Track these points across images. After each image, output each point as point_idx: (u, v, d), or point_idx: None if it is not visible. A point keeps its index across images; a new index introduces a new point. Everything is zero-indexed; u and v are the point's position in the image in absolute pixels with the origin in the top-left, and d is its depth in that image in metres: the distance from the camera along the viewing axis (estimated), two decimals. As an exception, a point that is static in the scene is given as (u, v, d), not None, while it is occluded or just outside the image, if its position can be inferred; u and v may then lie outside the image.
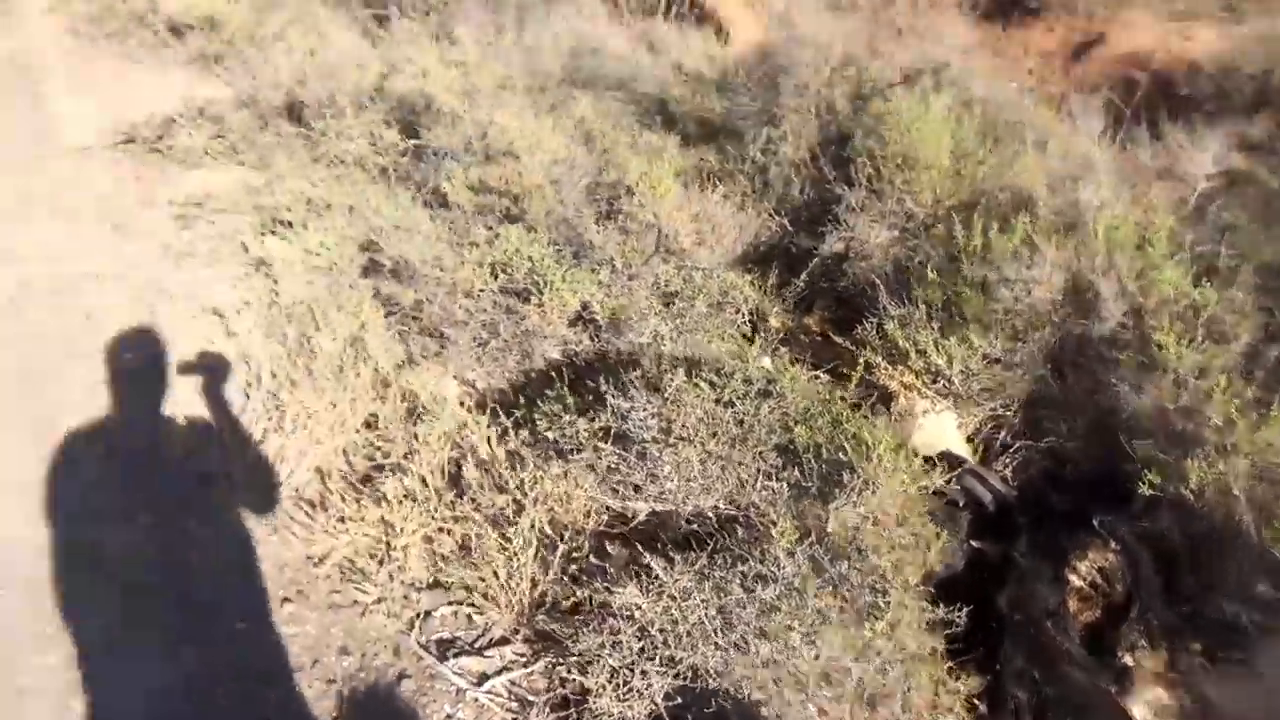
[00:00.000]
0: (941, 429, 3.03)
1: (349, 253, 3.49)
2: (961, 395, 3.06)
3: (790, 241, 3.98)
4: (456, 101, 4.41)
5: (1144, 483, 2.40)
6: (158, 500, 2.75)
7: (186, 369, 3.25)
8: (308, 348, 3.00)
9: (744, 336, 3.45)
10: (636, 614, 2.06)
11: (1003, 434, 3.08)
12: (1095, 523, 2.50)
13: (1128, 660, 2.30)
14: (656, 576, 2.08)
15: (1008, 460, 3.00)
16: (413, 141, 4.29)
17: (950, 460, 2.83)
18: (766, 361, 3.08)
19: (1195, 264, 3.09)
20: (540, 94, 5.03)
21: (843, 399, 2.69)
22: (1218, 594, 2.27)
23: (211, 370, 3.22)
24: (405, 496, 2.51)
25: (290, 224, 3.69)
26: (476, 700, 2.20)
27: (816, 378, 3.03)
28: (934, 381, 3.08)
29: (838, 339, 3.47)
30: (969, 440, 3.10)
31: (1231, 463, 2.33)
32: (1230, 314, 2.81)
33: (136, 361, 3.35)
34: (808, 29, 5.43)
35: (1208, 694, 2.21)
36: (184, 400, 3.13)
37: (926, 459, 2.73)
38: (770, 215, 4.13)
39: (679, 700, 1.99)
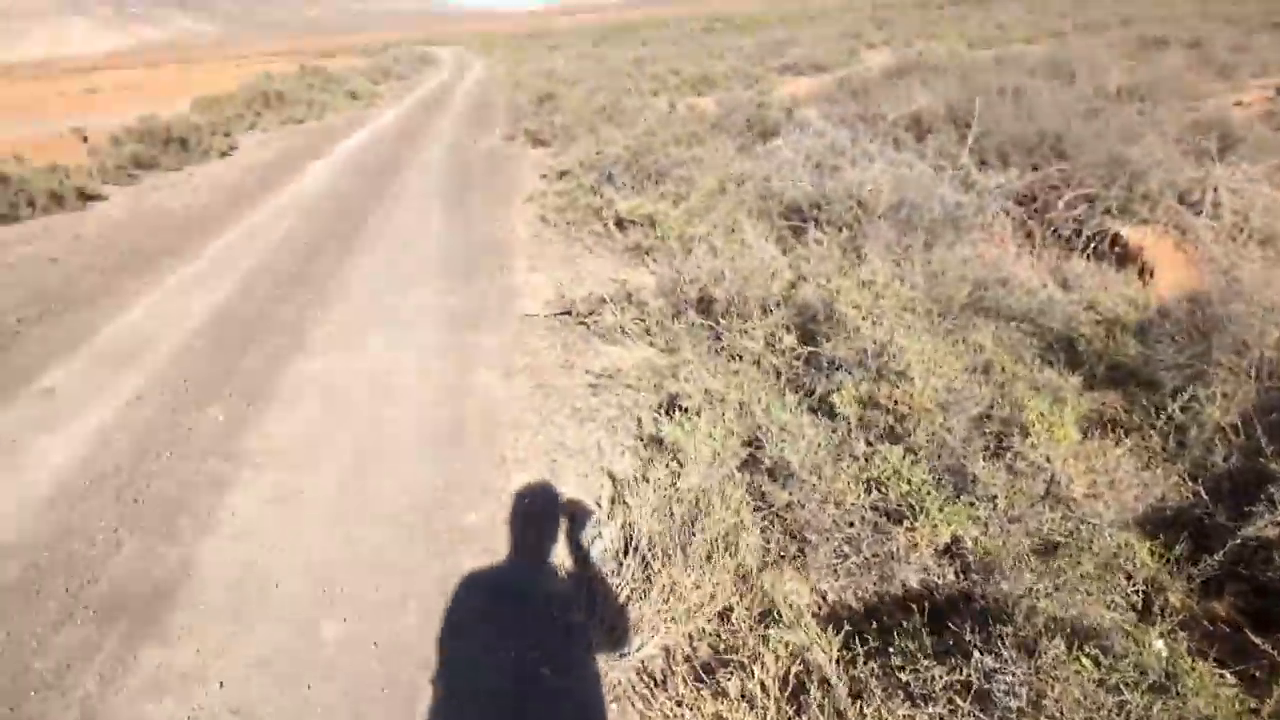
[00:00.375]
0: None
1: (733, 446, 3.72)
2: None
3: (1204, 512, 3.52)
4: (857, 316, 4.60)
5: None
6: (524, 639, 3.05)
7: (572, 524, 3.63)
8: (688, 530, 3.20)
9: (1132, 608, 3.08)
10: None
11: None
12: None
13: None
14: None
15: None
16: (809, 348, 4.52)
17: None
18: (1160, 645, 2.71)
19: None
20: (940, 319, 5.07)
21: (1254, 712, 2.30)
22: None
23: (593, 529, 3.55)
24: (743, 698, 2.53)
25: (686, 410, 4.03)
26: None
27: (1222, 678, 2.62)
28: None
29: (1255, 636, 2.96)
30: None
31: None
32: None
33: (532, 508, 3.80)
34: (1252, 280, 4.97)
35: None
36: (564, 553, 3.49)
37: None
38: (1182, 479, 3.72)
39: None
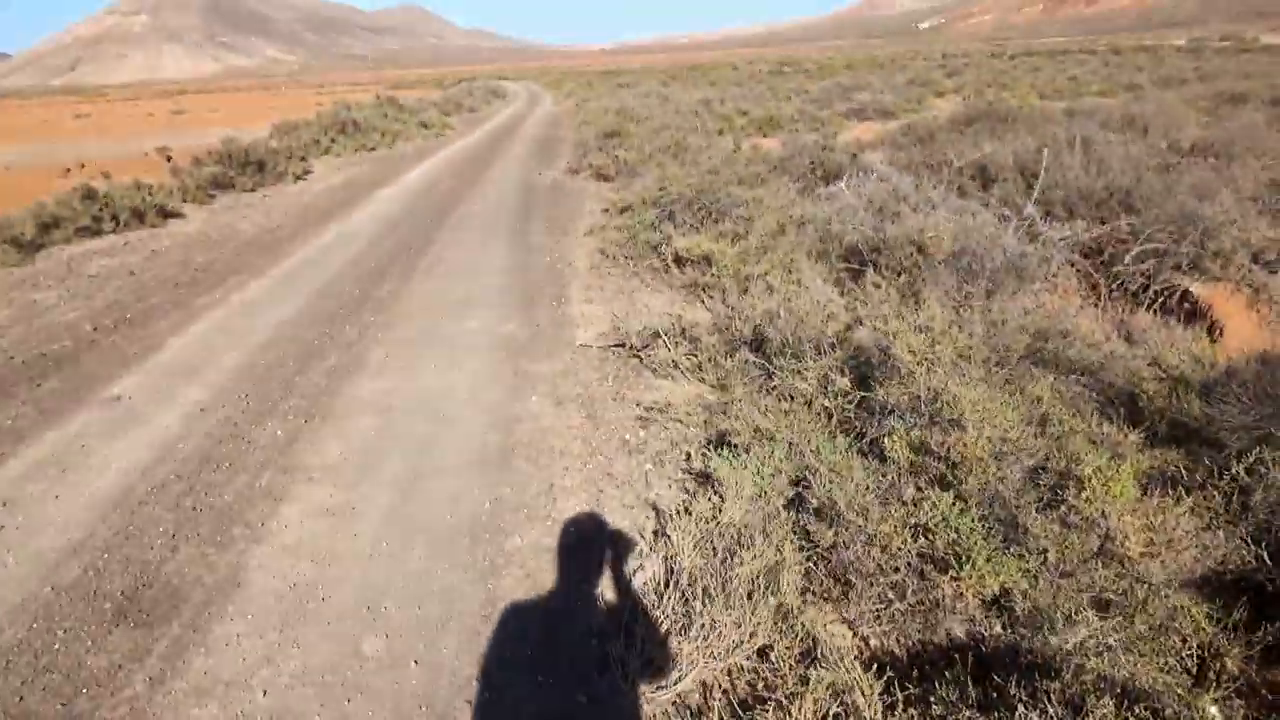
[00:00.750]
0: None
1: (780, 484, 3.72)
2: None
3: (1267, 578, 3.41)
4: (913, 362, 4.57)
5: None
6: (562, 667, 3.07)
7: (615, 554, 3.65)
8: (730, 565, 3.20)
9: (1186, 672, 2.99)
10: None
11: None
12: None
13: None
14: None
15: None
16: (862, 393, 4.50)
17: None
18: (1215, 710, 2.63)
19: None
20: (998, 368, 5.01)
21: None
22: None
23: (636, 560, 3.56)
24: (782, 736, 2.51)
25: (735, 446, 4.04)
26: None
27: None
28: None
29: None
30: None
31: None
32: None
33: (577, 536, 3.83)
34: (1327, 345, 4.83)
35: None
36: (606, 583, 3.51)
37: None
38: (1245, 542, 3.60)
39: None
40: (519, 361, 5.93)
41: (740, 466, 3.80)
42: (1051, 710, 2.32)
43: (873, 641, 3.20)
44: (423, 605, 3.44)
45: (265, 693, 3.02)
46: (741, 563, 3.17)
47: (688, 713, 2.82)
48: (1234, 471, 3.91)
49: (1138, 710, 2.30)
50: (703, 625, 2.98)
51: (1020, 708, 2.35)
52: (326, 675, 3.09)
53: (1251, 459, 3.90)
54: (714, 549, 3.32)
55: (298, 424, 5.08)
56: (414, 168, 16.61)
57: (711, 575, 3.16)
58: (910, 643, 3.17)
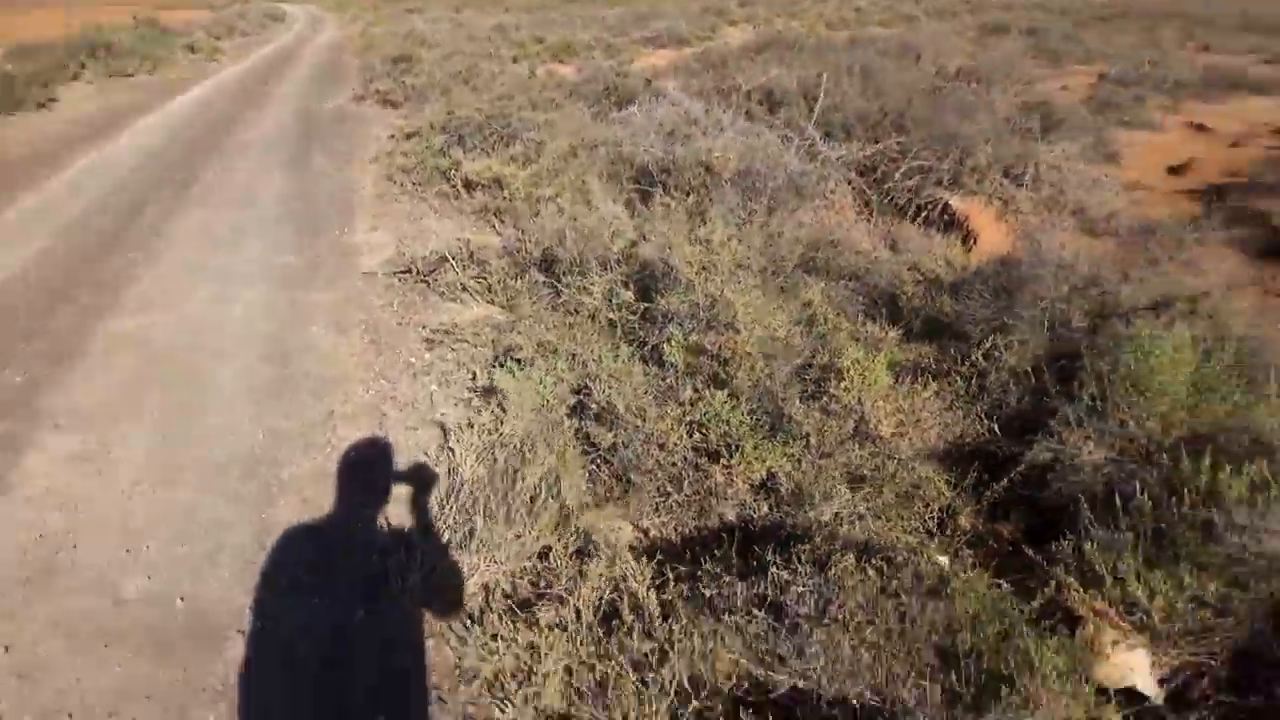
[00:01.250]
0: (1131, 664, 2.74)
1: (563, 394, 3.79)
2: (1160, 633, 2.77)
3: (997, 446, 3.84)
4: (691, 273, 4.74)
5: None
6: (342, 586, 3.05)
7: (398, 475, 3.63)
8: (511, 476, 3.24)
9: (928, 532, 3.34)
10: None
11: (1204, 683, 2.74)
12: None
13: None
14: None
15: (1205, 713, 2.65)
16: (645, 304, 4.62)
17: (1135, 700, 2.58)
18: (944, 560, 2.96)
19: None
20: (773, 276, 5.27)
21: (1020, 612, 2.54)
22: None
23: (418, 479, 3.56)
24: (557, 625, 2.61)
25: (520, 361, 4.06)
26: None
27: (998, 585, 2.87)
28: (1130, 613, 2.81)
29: (1030, 551, 3.26)
30: (1161, 683, 2.78)
31: None
32: None
33: (357, 460, 3.77)
34: (1056, 247, 5.39)
35: None
36: (388, 503, 3.48)
37: (1106, 692, 2.51)
38: (980, 418, 4.03)
39: None
40: (299, 292, 5.65)
41: (524, 379, 3.84)
42: (800, 568, 2.52)
43: (652, 533, 3.36)
44: (189, 542, 3.29)
45: (6, 649, 2.81)
46: (522, 472, 3.22)
47: (468, 617, 2.87)
48: (973, 358, 4.34)
49: (874, 561, 2.54)
50: (483, 534, 3.03)
51: (773, 569, 2.54)
52: (80, 624, 2.91)
53: (987, 346, 4.33)
54: (495, 460, 3.35)
55: (42, 369, 4.64)
56: (181, 94, 15.22)
57: (492, 485, 3.20)
58: (687, 530, 3.35)
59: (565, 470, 3.27)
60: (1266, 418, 3.38)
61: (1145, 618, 2.81)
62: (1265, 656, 2.74)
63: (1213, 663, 2.79)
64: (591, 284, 4.79)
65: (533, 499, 3.14)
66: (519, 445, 3.43)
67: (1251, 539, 2.81)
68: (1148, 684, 2.78)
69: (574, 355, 4.07)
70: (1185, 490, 3.03)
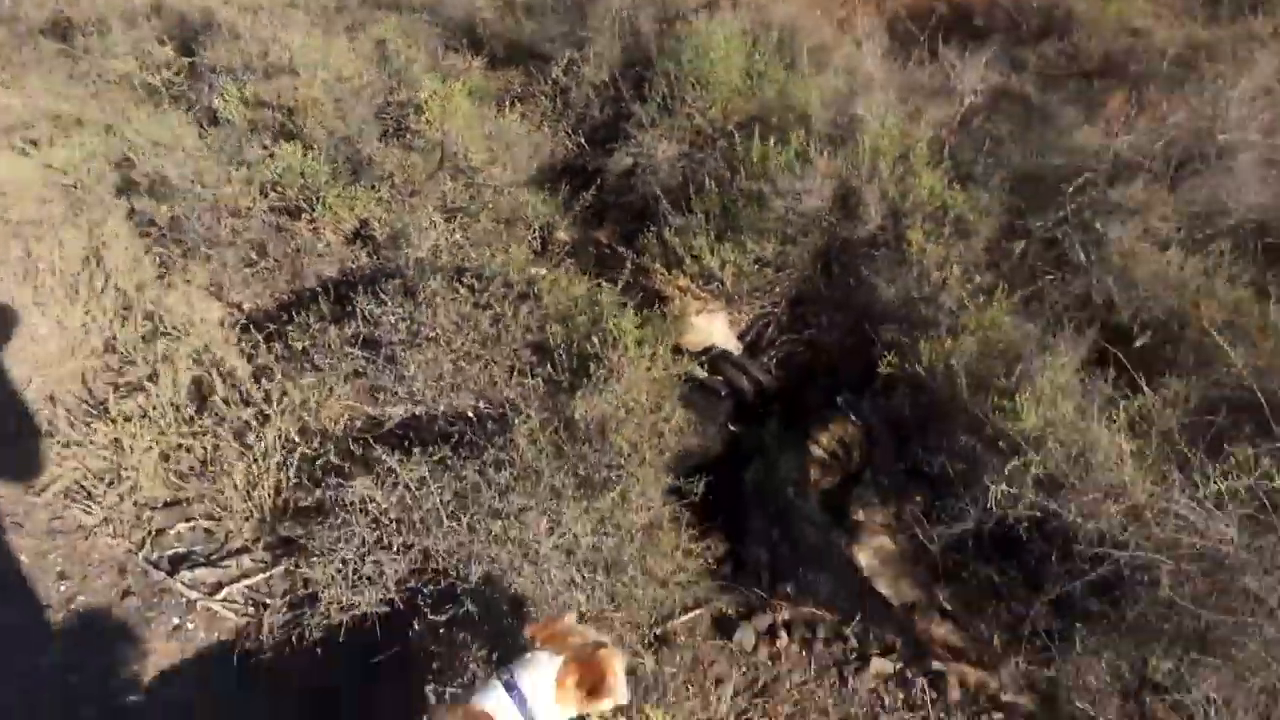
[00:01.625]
0: (713, 327, 3.11)
1: (99, 170, 3.25)
2: (733, 295, 3.14)
3: (585, 160, 3.95)
4: (238, 19, 4.16)
5: (884, 364, 2.53)
6: None
7: None
8: (36, 268, 2.77)
9: (534, 251, 3.41)
10: (370, 506, 2.02)
11: (770, 329, 3.19)
12: (839, 400, 2.64)
13: (859, 516, 2.44)
14: (391, 469, 2.03)
15: (774, 353, 3.11)
16: (187, 59, 4.03)
17: (719, 354, 2.93)
18: (539, 270, 3.04)
19: (955, 171, 3.23)
20: (337, 14, 4.80)
21: (612, 301, 2.70)
22: (936, 453, 2.42)
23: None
24: (140, 415, 2.37)
25: (35, 142, 3.40)
26: (209, 609, 2.12)
27: (599, 285, 3.02)
28: (708, 284, 3.13)
29: (624, 250, 3.47)
30: (740, 337, 3.20)
31: (960, 342, 2.46)
32: (974, 213, 2.96)
33: None
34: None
35: (921, 536, 2.35)
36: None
37: (696, 353, 2.82)
38: (568, 135, 4.09)
39: (412, 584, 1.99)
40: None
41: (37, 160, 3.24)
42: (388, 299, 2.47)
43: (246, 305, 3.12)
44: None
45: None
46: (54, 262, 2.78)
47: (33, 434, 2.52)
48: (554, 76, 4.32)
49: (465, 280, 2.55)
50: (23, 338, 2.62)
51: (360, 306, 2.47)
52: None
53: (565, 62, 4.32)
54: (8, 253, 2.86)
55: None
56: None
57: (17, 280, 2.74)
58: (285, 296, 3.15)
59: (110, 251, 2.86)
60: (803, 93, 3.74)
61: (720, 285, 3.15)
62: (813, 298, 3.20)
63: (775, 311, 3.22)
64: (115, 45, 4.06)
65: (76, 288, 2.74)
66: (41, 233, 2.92)
67: (794, 200, 3.17)
68: (728, 340, 3.17)
69: (108, 127, 3.47)
70: (742, 168, 3.33)
